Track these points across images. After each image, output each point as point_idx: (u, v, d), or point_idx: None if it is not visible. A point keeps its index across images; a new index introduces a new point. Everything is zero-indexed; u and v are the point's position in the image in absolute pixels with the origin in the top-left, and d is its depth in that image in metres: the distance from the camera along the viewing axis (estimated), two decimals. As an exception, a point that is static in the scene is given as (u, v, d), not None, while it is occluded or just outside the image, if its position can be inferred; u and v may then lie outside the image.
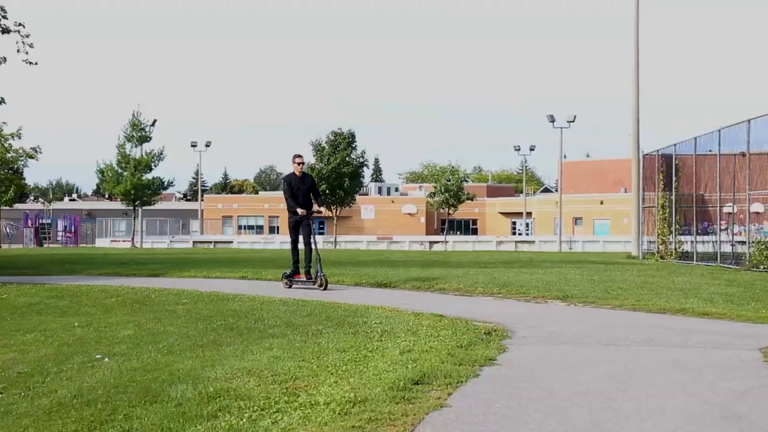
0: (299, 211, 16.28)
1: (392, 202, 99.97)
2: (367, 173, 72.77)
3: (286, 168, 66.79)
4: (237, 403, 6.47)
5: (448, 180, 71.61)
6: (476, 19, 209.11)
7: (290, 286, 16.52)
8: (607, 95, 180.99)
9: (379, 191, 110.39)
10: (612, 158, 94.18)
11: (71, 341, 9.79)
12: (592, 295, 14.46)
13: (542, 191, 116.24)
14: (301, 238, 16.62)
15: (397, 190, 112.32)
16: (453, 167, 73.61)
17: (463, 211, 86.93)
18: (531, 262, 30.02)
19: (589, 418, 6.02)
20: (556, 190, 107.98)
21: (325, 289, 15.74)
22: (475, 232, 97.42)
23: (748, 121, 26.55)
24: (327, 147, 60.99)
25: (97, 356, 8.74)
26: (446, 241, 65.73)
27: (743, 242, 27.94)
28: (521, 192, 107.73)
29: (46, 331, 10.68)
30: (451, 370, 7.54)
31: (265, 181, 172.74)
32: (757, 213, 31.96)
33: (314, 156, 61.62)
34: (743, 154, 27.69)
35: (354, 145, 62.00)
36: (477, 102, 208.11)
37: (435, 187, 71.94)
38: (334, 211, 63.31)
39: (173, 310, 12.85)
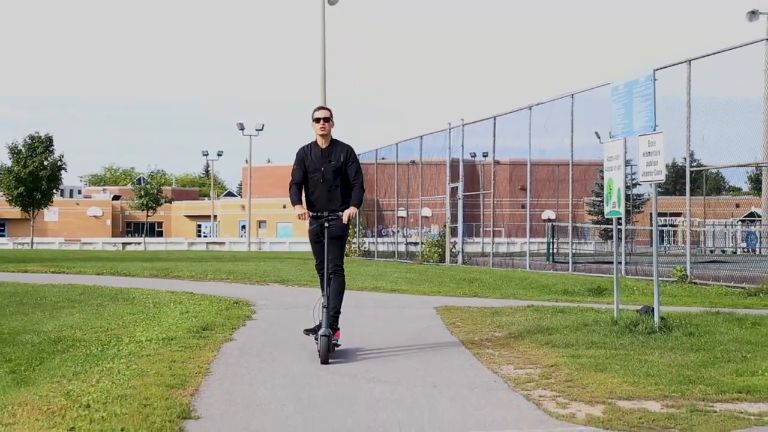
0: (297, 210, 8.76)
1: (77, 204, 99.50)
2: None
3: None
4: (79, 344, 9.03)
5: (148, 183, 73.34)
6: (161, 17, 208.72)
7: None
8: (296, 101, 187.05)
9: (62, 193, 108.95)
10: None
11: None
12: (303, 280, 17.86)
13: (226, 195, 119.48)
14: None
15: (80, 192, 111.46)
16: (153, 171, 74.98)
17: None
18: (236, 257, 33.27)
19: (331, 342, 9.24)
20: (239, 194, 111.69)
21: (323, 362, 8.11)
22: (160, 234, 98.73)
23: (421, 137, 31.63)
24: (24, 150, 60.98)
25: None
26: (141, 242, 67.35)
27: (416, 243, 32.75)
28: (206, 195, 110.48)
29: None
30: (225, 322, 10.56)
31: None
32: (426, 217, 37.01)
33: (10, 159, 61.40)
34: (414, 162, 32.58)
35: (51, 149, 62.35)
36: (161, 104, 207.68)
37: (134, 191, 73.11)
38: (30, 213, 63.47)
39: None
